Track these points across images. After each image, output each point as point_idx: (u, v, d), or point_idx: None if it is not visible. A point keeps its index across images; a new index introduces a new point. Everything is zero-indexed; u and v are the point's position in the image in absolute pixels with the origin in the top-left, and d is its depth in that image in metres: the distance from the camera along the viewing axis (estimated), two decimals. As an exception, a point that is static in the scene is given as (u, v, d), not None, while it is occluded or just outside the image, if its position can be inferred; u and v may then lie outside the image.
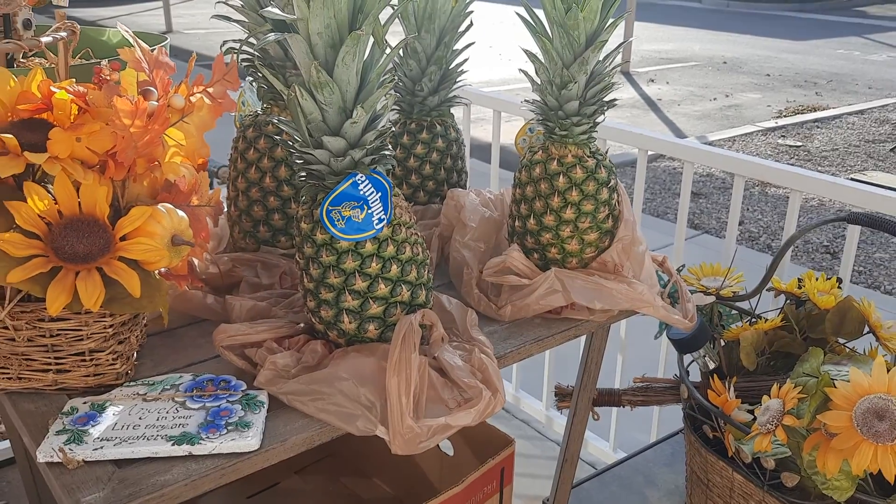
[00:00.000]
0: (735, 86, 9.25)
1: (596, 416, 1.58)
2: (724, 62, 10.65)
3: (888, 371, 1.08)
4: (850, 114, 7.84)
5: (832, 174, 6.02)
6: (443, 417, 0.99)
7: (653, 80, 9.48)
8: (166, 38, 1.41)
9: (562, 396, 1.59)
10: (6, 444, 2.05)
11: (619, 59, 1.21)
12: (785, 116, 7.75)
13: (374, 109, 1.00)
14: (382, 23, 0.98)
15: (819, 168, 6.16)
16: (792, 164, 6.23)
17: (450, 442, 1.61)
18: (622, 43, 1.20)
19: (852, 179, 5.88)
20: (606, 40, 1.15)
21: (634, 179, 2.17)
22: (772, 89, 9.06)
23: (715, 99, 8.59)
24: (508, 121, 2.79)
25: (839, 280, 1.60)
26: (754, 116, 7.78)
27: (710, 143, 6.82)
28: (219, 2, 1.18)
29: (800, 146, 6.72)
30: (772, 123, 7.40)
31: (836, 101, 8.49)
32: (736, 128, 7.32)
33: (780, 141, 6.86)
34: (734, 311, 1.61)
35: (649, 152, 2.14)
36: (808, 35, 12.89)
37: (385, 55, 0.98)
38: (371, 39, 0.97)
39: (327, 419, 0.97)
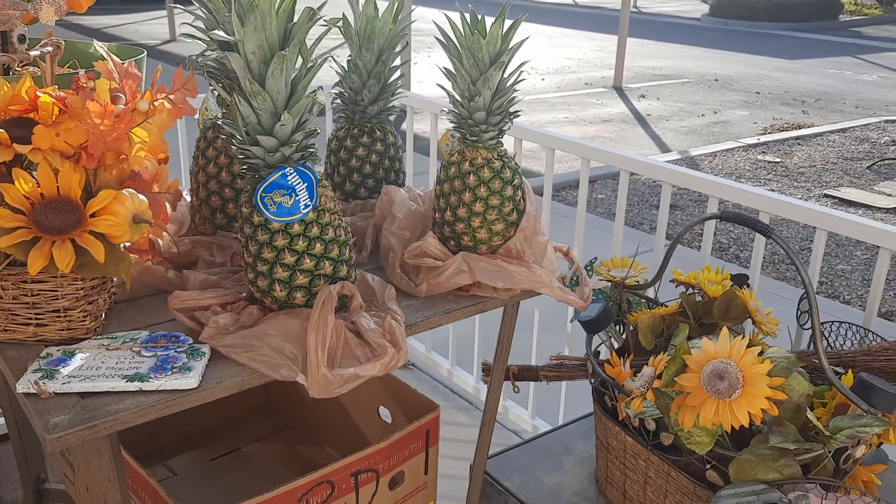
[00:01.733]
0: (724, 103, 9.47)
1: (516, 389, 1.78)
2: (716, 79, 10.88)
3: (730, 340, 1.29)
4: (832, 132, 8.05)
5: (807, 189, 6.23)
6: (352, 368, 1.20)
7: (644, 96, 9.71)
8: (143, 52, 1.64)
9: (486, 371, 1.80)
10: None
11: (524, 75, 1.43)
12: (769, 133, 7.96)
13: (301, 114, 1.22)
14: (311, 44, 1.20)
15: (795, 183, 6.37)
16: (769, 179, 6.45)
17: (388, 411, 1.82)
18: (524, 62, 1.41)
19: (825, 195, 6.10)
20: (507, 61, 1.37)
21: (584, 190, 2.40)
22: (760, 107, 9.28)
23: (703, 115, 8.81)
24: (445, 122, 3.09)
25: (746, 278, 1.81)
26: (739, 133, 8.00)
27: (692, 158, 7.04)
28: (184, 23, 1.40)
29: (778, 162, 6.93)
30: (754, 140, 7.62)
31: (822, 119, 8.70)
32: (719, 143, 7.53)
33: (759, 157, 7.07)
34: (643, 300, 1.82)
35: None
36: (803, 54, 13.12)
37: (310, 70, 1.20)
38: (299, 57, 1.19)
39: (256, 367, 1.18)
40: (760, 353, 1.29)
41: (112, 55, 1.27)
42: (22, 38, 1.37)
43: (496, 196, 1.44)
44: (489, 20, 1.37)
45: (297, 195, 1.22)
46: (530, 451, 1.86)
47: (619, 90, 9.96)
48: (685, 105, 9.33)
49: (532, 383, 2.47)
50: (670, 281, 1.79)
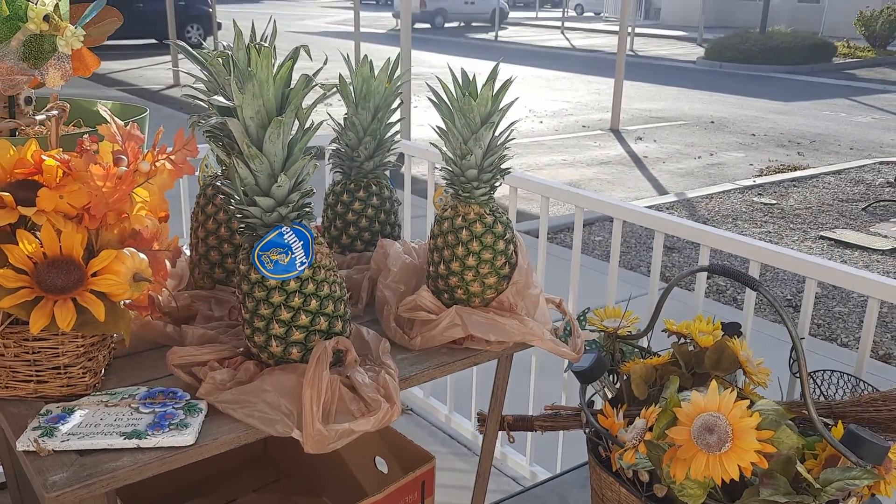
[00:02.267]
0: (720, 145, 9.57)
1: (511, 439, 1.80)
2: (712, 121, 11.00)
3: (719, 393, 1.31)
4: (827, 173, 8.13)
5: (803, 231, 6.27)
6: (347, 423, 1.22)
7: (640, 139, 9.81)
8: (146, 111, 1.69)
9: (482, 421, 1.81)
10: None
11: (514, 134, 1.47)
12: (765, 175, 8.03)
13: (298, 175, 1.25)
14: (307, 108, 1.25)
15: (791, 225, 6.41)
16: (765, 221, 6.50)
17: (384, 461, 1.83)
18: (514, 121, 1.46)
19: (821, 237, 6.14)
20: (497, 122, 1.41)
21: (579, 234, 2.43)
22: (755, 149, 9.37)
23: (699, 157, 8.89)
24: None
25: (738, 326, 1.84)
26: (735, 175, 8.07)
27: (689, 200, 7.10)
28: (184, 85, 1.45)
29: (774, 204, 6.99)
30: (750, 182, 7.68)
31: (818, 160, 8.79)
32: (716, 185, 7.60)
33: (755, 199, 7.13)
34: (636, 350, 1.84)
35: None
36: (797, 96, 13.29)
37: (307, 133, 1.25)
38: (296, 121, 1.23)
39: (252, 423, 1.20)
40: (750, 406, 1.31)
41: (115, 118, 1.31)
42: (28, 101, 1.42)
43: (488, 250, 1.47)
44: (480, 80, 1.42)
45: (293, 253, 1.26)
46: (527, 501, 1.86)
47: (616, 132, 10.07)
48: (682, 147, 9.42)
49: (529, 436, 2.49)
50: (662, 330, 1.82)
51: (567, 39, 21.17)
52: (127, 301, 1.29)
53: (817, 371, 1.83)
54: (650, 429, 1.44)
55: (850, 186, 7.65)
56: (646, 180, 7.90)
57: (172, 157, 1.35)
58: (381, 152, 1.69)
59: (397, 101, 1.67)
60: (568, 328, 1.58)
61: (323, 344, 1.27)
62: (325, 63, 1.25)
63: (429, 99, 1.45)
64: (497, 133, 1.45)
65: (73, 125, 1.66)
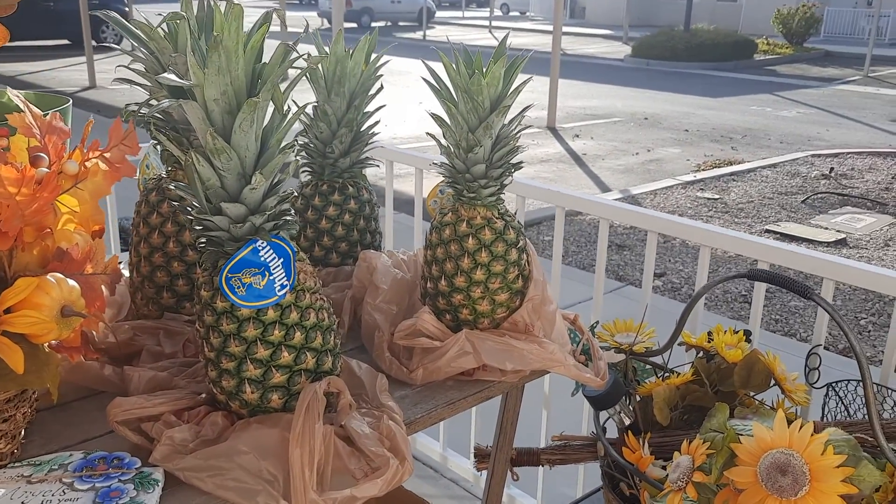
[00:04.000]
0: (656, 141, 9.58)
1: (515, 476, 1.56)
2: (646, 118, 11.05)
3: (789, 425, 1.11)
4: (763, 167, 8.20)
5: (748, 225, 6.26)
6: (348, 489, 0.96)
7: (577, 136, 9.75)
8: (68, 101, 1.38)
9: (481, 457, 1.57)
10: None
11: (526, 121, 1.23)
12: (703, 170, 8.04)
13: (274, 175, 0.99)
14: (283, 88, 0.98)
15: (736, 219, 6.39)
16: (710, 216, 6.46)
17: (368, 509, 1.56)
18: (526, 107, 1.23)
19: (767, 231, 6.13)
20: (510, 105, 1.17)
21: (553, 237, 2.21)
22: (690, 144, 9.42)
23: (637, 153, 8.87)
24: (429, 177, 2.81)
25: (748, 333, 1.65)
26: (674, 170, 8.06)
27: (633, 197, 7.02)
28: (119, 66, 1.16)
29: (717, 198, 6.97)
30: (691, 177, 7.67)
31: (751, 154, 8.87)
32: (657, 181, 7.55)
33: (698, 194, 7.10)
34: (648, 367, 1.63)
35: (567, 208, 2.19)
36: (724, 93, 13.51)
37: (286, 120, 0.98)
38: (271, 105, 0.96)
39: (226, 496, 0.93)
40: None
41: (31, 106, 1.02)
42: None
43: (499, 261, 1.23)
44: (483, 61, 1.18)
45: (271, 274, 0.99)
46: (530, 545, 1.63)
47: (553, 130, 9.98)
48: (619, 144, 9.39)
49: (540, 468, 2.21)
50: (679, 344, 1.61)
51: (495, 38, 21.02)
52: (52, 342, 1.00)
53: (839, 381, 1.65)
54: (697, 467, 1.22)
55: (787, 179, 7.72)
56: (587, 178, 7.81)
57: (107, 156, 1.06)
58: (359, 147, 1.43)
59: (377, 86, 1.41)
60: (586, 349, 1.35)
61: (311, 387, 1.01)
62: (305, 31, 0.98)
63: (425, 81, 1.20)
64: (506, 121, 1.21)
65: (-24, 119, 1.34)
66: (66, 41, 15.32)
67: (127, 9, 13.50)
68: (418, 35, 22.43)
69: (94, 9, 13.19)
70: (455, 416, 2.60)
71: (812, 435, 1.08)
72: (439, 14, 30.17)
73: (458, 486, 2.59)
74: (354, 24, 24.35)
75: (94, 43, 12.17)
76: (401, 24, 26.30)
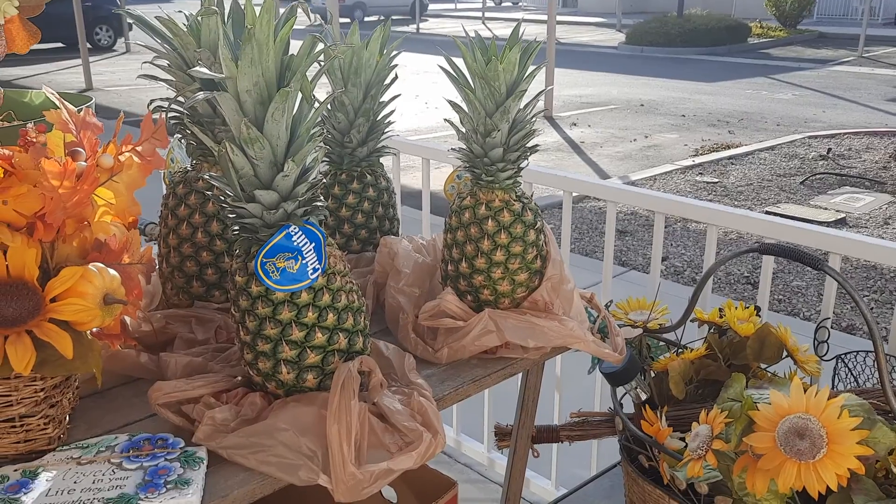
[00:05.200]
0: (653, 127, 9.60)
1: (536, 454, 1.60)
2: (642, 105, 11.06)
3: (805, 391, 1.15)
4: (761, 150, 8.22)
5: (748, 208, 6.29)
6: (385, 462, 1.00)
7: (575, 124, 9.77)
8: (91, 99, 1.41)
9: (501, 436, 1.61)
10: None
11: (540, 105, 1.27)
12: (701, 155, 8.07)
13: (304, 162, 1.02)
14: (310, 79, 1.02)
15: (735, 202, 6.42)
16: (710, 200, 6.50)
17: (393, 489, 1.61)
18: (542, 91, 1.26)
19: (767, 212, 6.16)
20: (526, 90, 1.21)
21: (561, 220, 2.24)
22: (687, 129, 9.44)
23: (635, 140, 8.89)
24: (437, 168, 2.84)
25: (757, 308, 1.68)
26: (672, 156, 8.09)
27: (633, 183, 7.05)
28: (145, 62, 1.19)
29: (717, 182, 7.00)
30: (689, 162, 7.70)
31: (748, 138, 8.90)
32: (656, 167, 7.58)
33: (697, 178, 7.13)
34: (661, 343, 1.67)
35: (574, 194, 2.22)
36: (719, 77, 13.52)
37: (314, 109, 1.01)
38: (299, 95, 1.00)
39: (269, 471, 0.97)
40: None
41: (65, 102, 1.05)
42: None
43: (518, 242, 1.27)
44: (499, 46, 1.21)
45: (303, 258, 1.02)
46: (552, 520, 1.67)
47: (550, 119, 9.99)
48: (616, 131, 9.41)
49: (555, 449, 2.25)
50: (691, 321, 1.65)
51: (489, 29, 21.04)
52: (94, 329, 1.03)
53: (848, 353, 1.69)
54: (716, 436, 1.26)
55: (784, 161, 7.75)
56: (586, 165, 7.84)
57: (139, 149, 1.09)
58: (376, 136, 1.46)
59: (391, 76, 1.44)
60: (603, 326, 1.38)
61: (346, 366, 1.04)
62: (328, 21, 1.01)
63: (442, 69, 1.23)
64: (522, 105, 1.24)
65: (3, 120, 1.37)
66: (60, 44, 15.29)
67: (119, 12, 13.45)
68: (412, 28, 22.40)
69: (87, 11, 13.16)
70: (467, 403, 2.63)
71: (828, 399, 1.12)
72: (432, 6, 30.10)
73: (472, 471, 2.62)
74: (347, 20, 24.31)
75: (88, 46, 12.16)
76: (394, 17, 26.25)
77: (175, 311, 1.27)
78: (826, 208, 6.29)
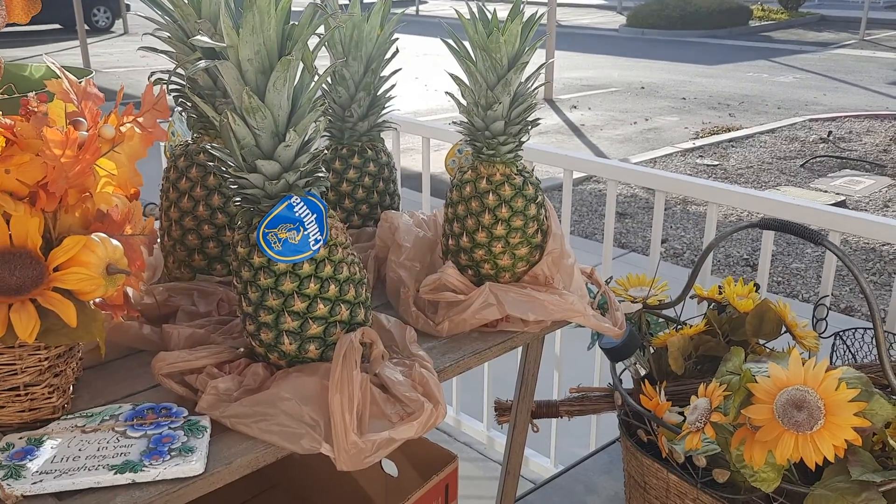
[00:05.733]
0: (653, 110, 9.57)
1: (535, 428, 1.61)
2: (642, 87, 11.02)
3: (803, 364, 1.15)
4: (761, 133, 8.21)
5: (748, 190, 6.28)
6: (386, 431, 1.00)
7: (575, 107, 9.74)
8: (92, 72, 1.41)
9: (501, 411, 1.62)
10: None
11: (541, 79, 1.27)
12: (701, 137, 8.05)
13: (306, 132, 1.02)
14: (311, 49, 1.01)
15: (736, 185, 6.42)
16: (710, 183, 6.49)
17: (393, 463, 1.62)
18: (543, 64, 1.26)
19: (767, 195, 6.16)
20: (527, 62, 1.21)
21: (561, 202, 2.24)
22: (688, 112, 9.41)
23: (635, 123, 8.87)
24: (437, 150, 2.84)
25: (757, 286, 1.69)
26: (673, 138, 8.07)
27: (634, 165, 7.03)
28: (146, 33, 1.19)
29: (717, 165, 7.00)
30: (689, 144, 7.69)
31: (749, 121, 8.88)
32: (656, 150, 7.57)
33: (698, 161, 7.13)
34: (661, 319, 1.68)
35: (575, 175, 2.22)
36: (720, 59, 13.46)
37: (315, 80, 1.01)
38: (300, 65, 1.00)
39: (271, 440, 0.98)
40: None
41: (66, 72, 1.05)
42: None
43: (519, 216, 1.27)
44: (501, 16, 1.21)
45: (305, 229, 1.03)
46: (550, 496, 1.68)
47: (550, 102, 9.96)
48: (616, 114, 9.39)
49: (554, 429, 2.27)
50: (690, 297, 1.65)
51: (488, 11, 20.94)
52: (97, 300, 1.04)
53: (847, 330, 1.70)
54: (715, 408, 1.27)
55: (785, 144, 7.74)
56: (586, 148, 7.82)
57: (140, 120, 1.09)
58: (376, 111, 1.46)
59: (392, 50, 1.44)
60: (603, 301, 1.39)
61: (347, 337, 1.05)
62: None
63: (444, 42, 1.23)
64: (523, 78, 1.24)
65: (3, 92, 1.37)
66: (57, 25, 15.21)
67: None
68: (412, 10, 22.27)
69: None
70: (467, 382, 2.61)
71: (826, 371, 1.13)
72: (431, -12, 29.88)
73: (471, 449, 2.64)
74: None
75: (86, 27, 12.09)
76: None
77: (177, 283, 1.27)
78: (826, 191, 6.29)
